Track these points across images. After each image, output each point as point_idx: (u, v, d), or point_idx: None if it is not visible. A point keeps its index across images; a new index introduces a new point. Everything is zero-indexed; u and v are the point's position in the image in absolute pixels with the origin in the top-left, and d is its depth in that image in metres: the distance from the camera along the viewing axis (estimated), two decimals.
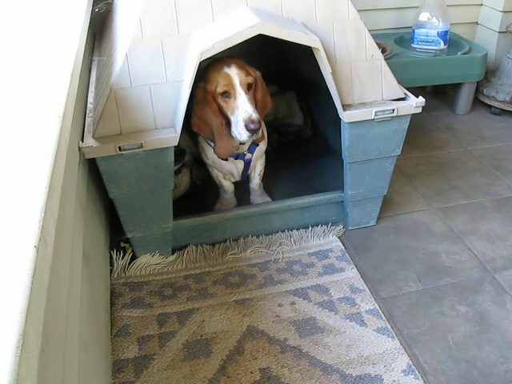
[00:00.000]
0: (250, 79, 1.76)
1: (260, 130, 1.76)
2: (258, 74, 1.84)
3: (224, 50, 1.62)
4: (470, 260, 2.00)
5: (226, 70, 1.75)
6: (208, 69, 1.80)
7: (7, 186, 0.90)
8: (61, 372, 0.92)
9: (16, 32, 1.63)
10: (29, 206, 0.85)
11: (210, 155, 1.98)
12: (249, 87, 1.77)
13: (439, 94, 3.44)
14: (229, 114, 1.79)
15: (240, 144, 1.91)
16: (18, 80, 1.31)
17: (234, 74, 1.74)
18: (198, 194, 2.26)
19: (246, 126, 1.72)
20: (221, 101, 1.78)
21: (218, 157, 1.91)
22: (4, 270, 0.71)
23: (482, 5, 3.41)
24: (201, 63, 1.63)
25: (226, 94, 1.76)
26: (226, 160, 1.96)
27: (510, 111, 3.14)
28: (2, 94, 1.24)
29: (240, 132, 1.75)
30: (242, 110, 1.73)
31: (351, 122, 1.83)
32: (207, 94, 1.78)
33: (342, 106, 1.82)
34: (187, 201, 2.15)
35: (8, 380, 0.57)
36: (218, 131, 1.81)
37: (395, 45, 3.06)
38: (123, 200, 1.78)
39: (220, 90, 1.75)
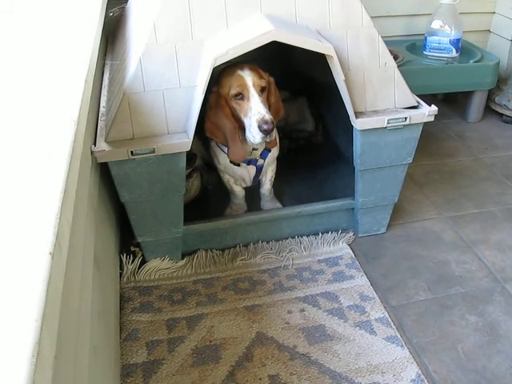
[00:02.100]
0: (263, 82, 1.78)
1: (274, 132, 1.76)
2: (272, 79, 1.85)
3: (237, 56, 1.62)
4: (480, 269, 2.00)
5: (240, 72, 1.76)
6: (221, 74, 1.81)
7: (22, 192, 0.90)
8: (72, 377, 0.92)
9: (28, 34, 1.64)
10: (44, 211, 0.85)
11: (222, 160, 1.98)
12: (262, 90, 1.78)
13: (450, 102, 3.42)
14: (242, 116, 1.79)
15: (253, 149, 1.92)
16: (31, 84, 1.32)
17: (247, 75, 1.76)
18: (208, 198, 2.26)
19: (260, 127, 1.72)
20: (234, 103, 1.79)
21: (231, 161, 1.92)
22: (19, 277, 0.71)
23: (494, 13, 3.39)
24: (214, 69, 1.63)
25: (240, 96, 1.77)
26: (239, 165, 1.97)
27: None
28: (15, 97, 1.25)
29: (254, 134, 1.75)
30: (256, 112, 1.73)
31: (363, 130, 1.83)
32: (220, 98, 1.78)
33: (355, 113, 1.81)
34: (197, 206, 2.15)
35: None
36: (231, 136, 1.81)
37: (407, 52, 3.05)
38: (134, 204, 1.79)
39: (233, 91, 1.76)
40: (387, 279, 1.95)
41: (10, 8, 1.86)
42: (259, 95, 1.75)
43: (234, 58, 1.63)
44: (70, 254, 0.90)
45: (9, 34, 1.64)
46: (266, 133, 1.73)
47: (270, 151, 1.97)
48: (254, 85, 1.75)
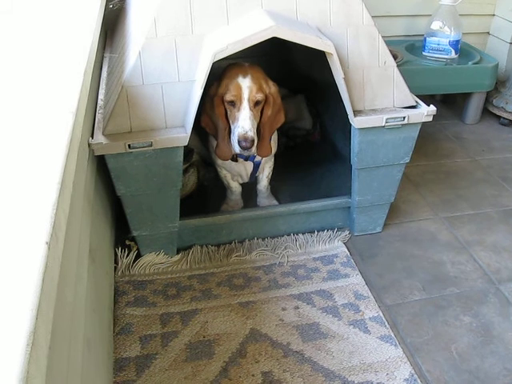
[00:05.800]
0: (259, 96, 1.76)
1: (253, 148, 1.77)
2: (274, 89, 1.83)
3: (237, 52, 1.62)
4: (475, 270, 2.00)
5: (240, 79, 1.75)
6: (225, 71, 1.81)
7: (20, 182, 0.90)
8: (65, 369, 0.92)
9: (28, 30, 1.63)
10: (41, 202, 0.84)
11: None
12: (256, 103, 1.77)
13: (448, 103, 3.43)
14: (231, 121, 1.80)
15: (238, 155, 1.93)
16: (31, 76, 1.31)
17: (246, 87, 1.74)
18: (204, 194, 2.25)
19: (239, 142, 1.74)
20: (227, 107, 1.79)
21: (218, 158, 1.91)
22: (15, 266, 0.71)
23: (494, 15, 3.40)
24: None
25: (232, 104, 1.77)
26: (236, 161, 1.96)
27: None
28: (15, 90, 1.24)
29: (233, 144, 1.78)
30: (241, 125, 1.74)
31: (361, 128, 1.83)
32: (217, 97, 1.78)
33: (353, 111, 1.81)
34: (193, 201, 2.14)
35: (18, 378, 0.57)
36: (221, 134, 1.82)
37: (406, 52, 3.05)
38: (130, 198, 1.78)
39: (227, 98, 1.76)
40: (382, 278, 1.95)
41: (10, 8, 1.85)
42: (250, 109, 1.75)
43: (234, 54, 1.62)
44: (65, 245, 0.90)
45: (10, 27, 1.63)
46: (243, 148, 1.75)
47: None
48: (249, 98, 1.75)
